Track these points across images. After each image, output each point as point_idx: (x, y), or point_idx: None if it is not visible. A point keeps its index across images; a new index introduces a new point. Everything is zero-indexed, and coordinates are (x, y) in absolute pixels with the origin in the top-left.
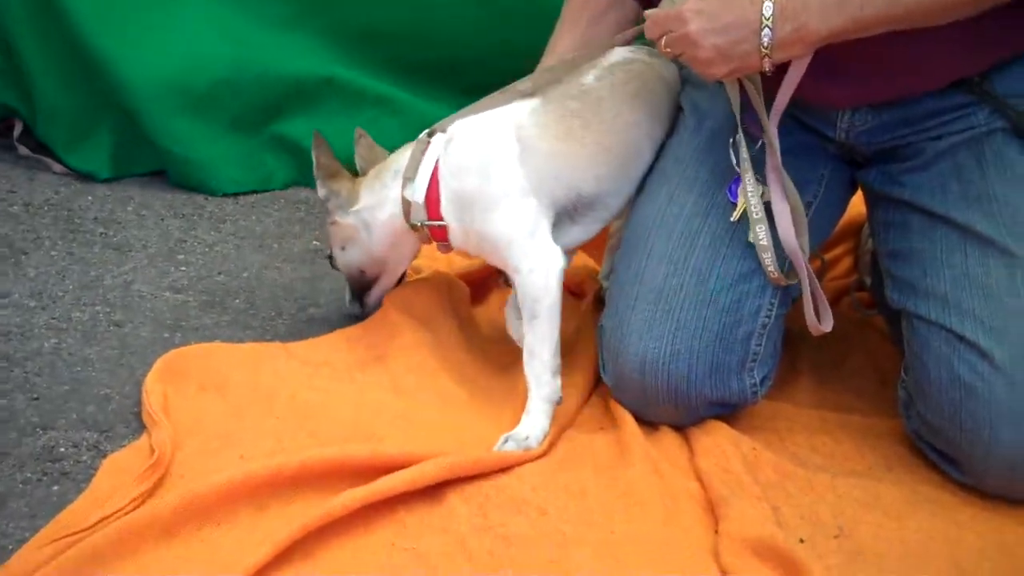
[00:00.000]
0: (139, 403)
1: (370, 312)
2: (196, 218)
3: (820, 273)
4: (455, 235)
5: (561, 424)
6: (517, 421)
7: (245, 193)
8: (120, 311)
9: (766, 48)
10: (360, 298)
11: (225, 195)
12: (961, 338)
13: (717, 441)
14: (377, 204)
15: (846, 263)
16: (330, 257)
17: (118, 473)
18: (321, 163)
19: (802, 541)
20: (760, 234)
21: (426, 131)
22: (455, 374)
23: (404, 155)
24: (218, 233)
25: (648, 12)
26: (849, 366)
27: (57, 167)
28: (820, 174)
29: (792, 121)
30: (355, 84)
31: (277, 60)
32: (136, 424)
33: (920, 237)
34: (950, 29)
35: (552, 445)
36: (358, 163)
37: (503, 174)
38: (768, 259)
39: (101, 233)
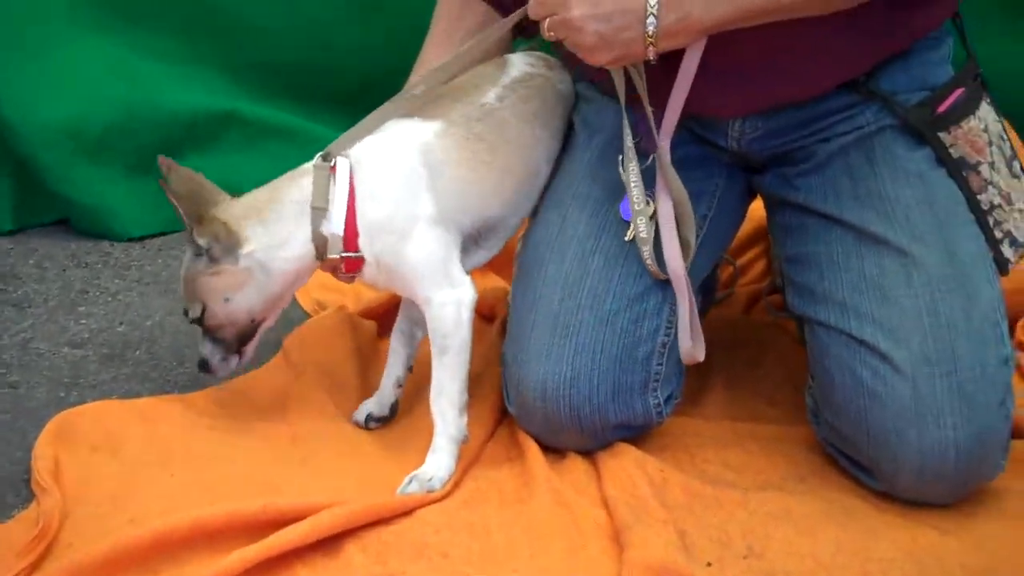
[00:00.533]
0: (29, 470)
1: (247, 362)
2: (100, 266)
3: (732, 279)
4: (369, 268)
5: (466, 460)
6: (422, 461)
7: (152, 236)
8: (16, 371)
9: (651, 37)
10: (239, 349)
11: (131, 239)
12: (861, 342)
13: (624, 465)
14: (278, 243)
15: (759, 266)
16: (197, 318)
17: (4, 546)
18: (183, 202)
19: (709, 565)
20: (640, 227)
21: (319, 155)
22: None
23: (300, 184)
24: (122, 281)
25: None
26: (762, 372)
27: None
28: (715, 184)
29: (684, 132)
30: (257, 117)
31: (174, 97)
32: (26, 492)
33: (816, 241)
34: (829, 33)
35: (456, 484)
36: (174, 200)
37: (414, 201)
38: (647, 252)
39: (0, 289)
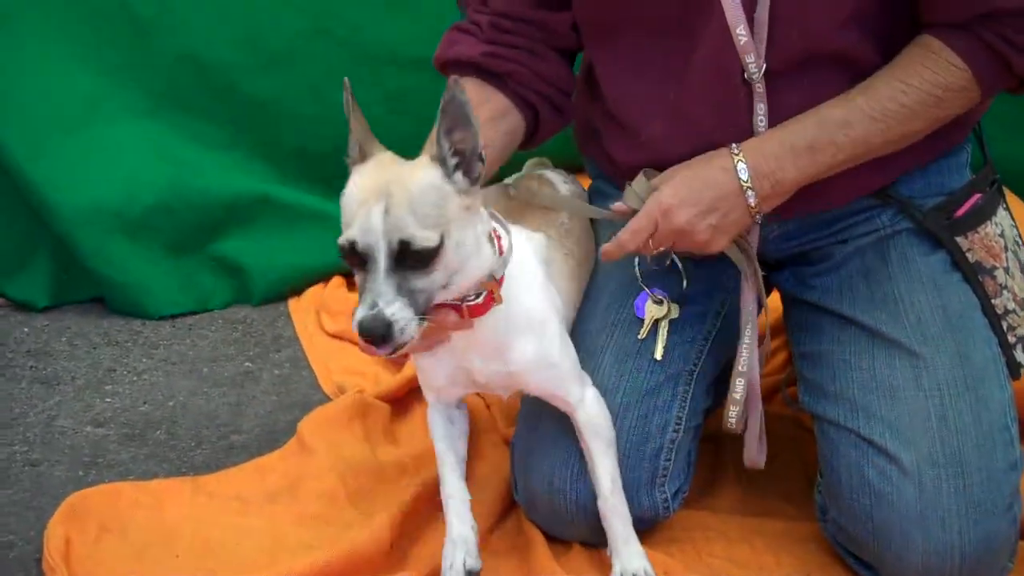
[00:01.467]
0: (41, 548)
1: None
2: (130, 344)
3: None
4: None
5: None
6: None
7: (183, 315)
8: (39, 449)
9: (754, 207)
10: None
11: (162, 318)
12: (870, 442)
13: None
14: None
15: (781, 357)
16: (430, 249)
17: None
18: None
19: None
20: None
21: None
22: (364, 502)
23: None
24: (150, 360)
25: (627, 228)
26: (776, 465)
27: None
28: (726, 283)
29: None
30: (291, 201)
31: (212, 181)
32: (36, 572)
33: (830, 339)
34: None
35: None
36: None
37: (550, 296)
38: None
39: (31, 367)
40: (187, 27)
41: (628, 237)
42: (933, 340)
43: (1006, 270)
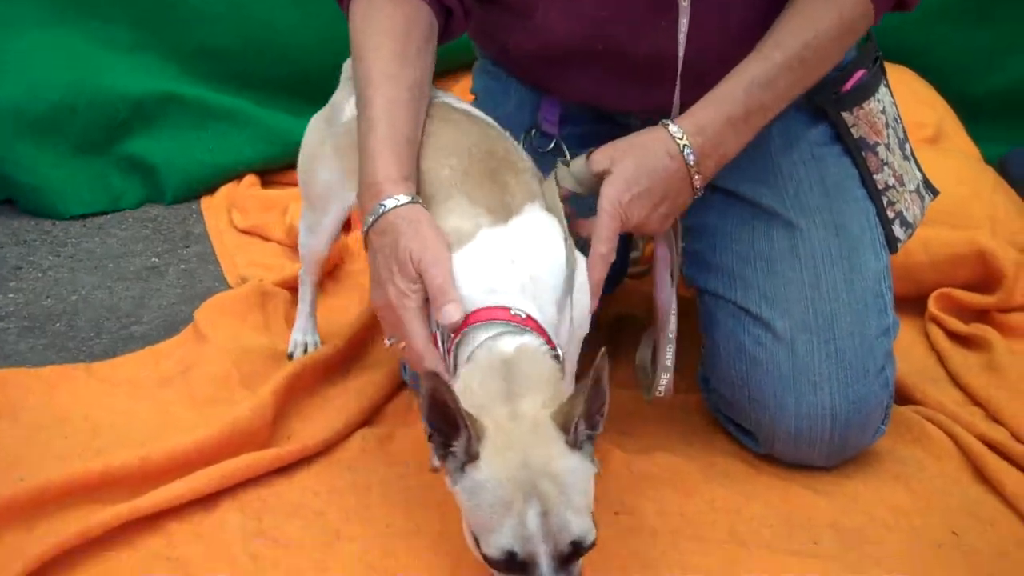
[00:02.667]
0: None
1: None
2: (38, 243)
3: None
4: None
5: (357, 423)
6: (314, 429)
7: (95, 214)
8: None
9: (698, 188)
10: None
11: (74, 218)
12: (746, 311)
13: None
14: None
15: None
16: None
17: None
18: None
19: None
20: None
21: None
22: (256, 385)
23: None
24: (56, 257)
25: (601, 238)
26: None
27: None
28: None
29: (589, 112)
30: (200, 99)
31: (117, 80)
32: None
33: (716, 213)
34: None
35: (343, 447)
36: None
37: None
38: None
39: None
40: None
41: (607, 249)
42: (810, 211)
43: (887, 146)
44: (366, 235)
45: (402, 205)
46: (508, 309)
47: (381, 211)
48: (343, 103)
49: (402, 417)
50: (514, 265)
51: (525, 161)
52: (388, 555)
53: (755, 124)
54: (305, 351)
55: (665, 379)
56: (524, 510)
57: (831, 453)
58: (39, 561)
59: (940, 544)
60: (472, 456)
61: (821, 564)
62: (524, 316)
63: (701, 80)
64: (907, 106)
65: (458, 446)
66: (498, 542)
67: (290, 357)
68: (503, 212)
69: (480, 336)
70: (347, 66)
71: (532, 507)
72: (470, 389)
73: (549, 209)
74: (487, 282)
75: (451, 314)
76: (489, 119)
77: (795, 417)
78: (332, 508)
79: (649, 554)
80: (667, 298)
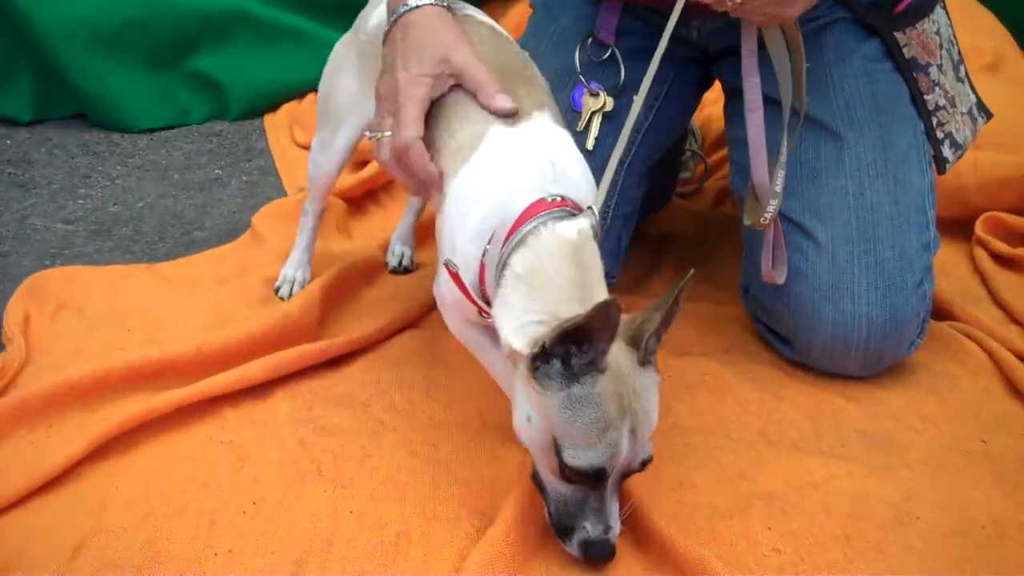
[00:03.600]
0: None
1: None
2: (107, 154)
3: (705, 176)
4: None
5: (402, 323)
6: (362, 324)
7: (161, 128)
8: (9, 243)
9: None
10: None
11: (141, 131)
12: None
13: None
14: None
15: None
16: None
17: None
18: None
19: None
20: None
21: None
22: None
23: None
24: (124, 167)
25: None
26: (716, 258)
27: None
28: (665, 75)
29: (641, 26)
30: (266, 17)
31: None
32: None
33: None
34: None
35: (389, 344)
36: None
37: None
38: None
39: (10, 173)
40: None
41: None
42: (858, 124)
43: (939, 67)
44: (387, 32)
45: (428, 5)
46: (543, 199)
47: (404, 9)
48: (370, 13)
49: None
50: (530, 155)
51: (538, 77)
52: (429, 444)
53: None
54: (292, 289)
55: (773, 205)
56: (621, 429)
57: (866, 362)
58: (102, 439)
59: (967, 451)
60: (601, 369)
61: (846, 465)
62: (560, 199)
63: None
64: (967, 33)
65: (582, 358)
66: (590, 458)
67: (277, 292)
68: (512, 118)
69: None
70: None
71: (627, 426)
72: (543, 273)
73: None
74: (509, 182)
75: (504, 102)
76: (508, 35)
77: (832, 325)
78: (377, 400)
79: (679, 451)
80: (757, 129)
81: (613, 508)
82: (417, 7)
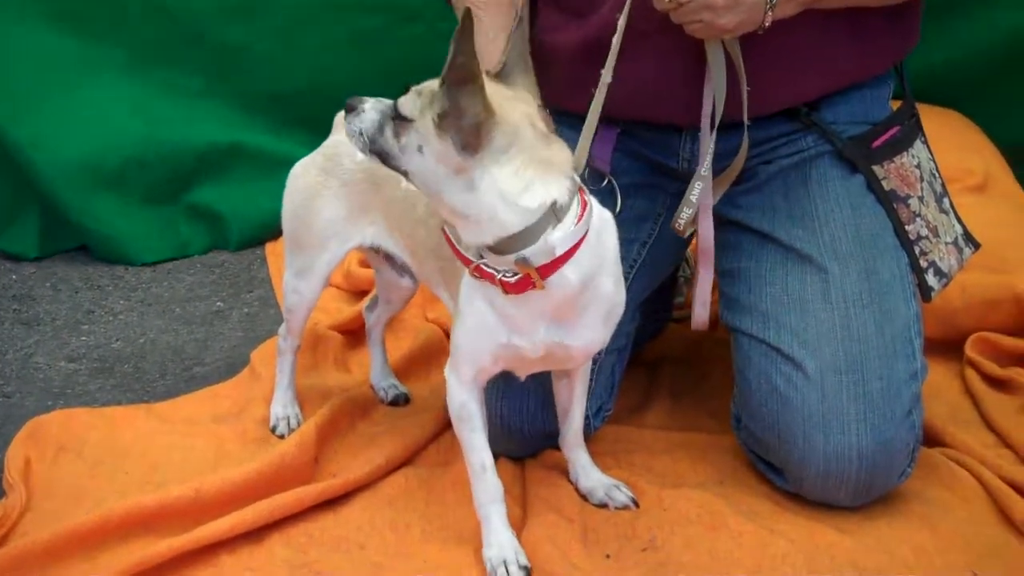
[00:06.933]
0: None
1: None
2: (111, 288)
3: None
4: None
5: (400, 460)
6: (358, 464)
7: (164, 261)
8: (13, 382)
9: (772, 3)
10: None
11: (145, 263)
12: (778, 350)
13: (548, 469)
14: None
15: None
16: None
17: None
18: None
19: (608, 556)
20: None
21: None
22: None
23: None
24: (127, 301)
25: None
26: (709, 385)
27: None
28: (657, 212)
29: (636, 161)
30: (262, 148)
31: (186, 131)
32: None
33: (749, 256)
34: (783, 58)
35: (386, 481)
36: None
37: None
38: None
39: (15, 310)
40: None
41: None
42: (843, 256)
43: (920, 199)
44: None
45: None
46: None
47: None
48: (341, 149)
49: (443, 457)
50: None
51: None
52: None
53: None
54: (289, 425)
55: (687, 212)
56: None
57: (857, 493)
58: None
59: None
60: None
61: None
62: None
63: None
64: (956, 152)
65: None
66: None
67: (274, 431)
68: None
69: None
70: (339, 117)
71: None
72: None
73: None
74: None
75: None
76: None
77: (823, 456)
78: (373, 542)
79: None
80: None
81: None
82: None
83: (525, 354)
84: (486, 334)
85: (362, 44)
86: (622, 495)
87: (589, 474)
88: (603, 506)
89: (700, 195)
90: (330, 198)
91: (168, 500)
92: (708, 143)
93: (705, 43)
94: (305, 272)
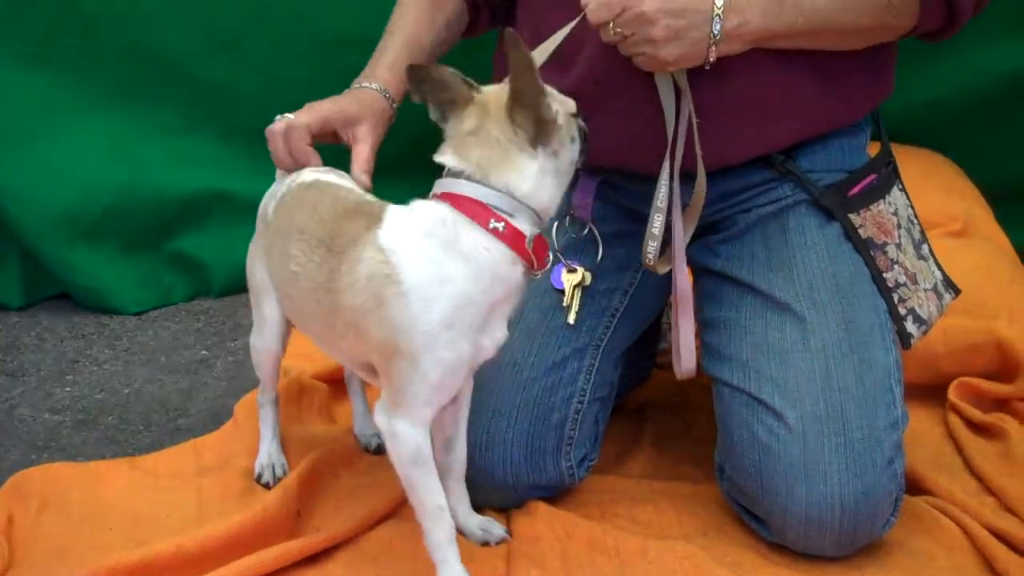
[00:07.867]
0: None
1: None
2: (95, 337)
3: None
4: None
5: (382, 514)
6: (341, 518)
7: (148, 310)
8: None
9: (715, 37)
10: None
11: (129, 313)
12: (759, 400)
13: (532, 521)
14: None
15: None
16: None
17: None
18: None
19: None
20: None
21: None
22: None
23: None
24: (112, 351)
25: None
26: (694, 434)
27: None
28: (637, 261)
29: (616, 209)
30: (243, 195)
31: (166, 176)
32: None
33: (729, 306)
34: (753, 105)
35: (367, 537)
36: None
37: None
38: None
39: (0, 361)
40: (135, 18)
41: (597, 5)
42: (821, 305)
43: (898, 246)
44: None
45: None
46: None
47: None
48: (267, 205)
49: None
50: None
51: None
52: None
53: (784, 17)
54: (275, 473)
55: (652, 246)
56: None
57: (841, 543)
58: None
59: None
60: None
61: None
62: None
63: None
64: (938, 194)
65: None
66: None
67: (260, 480)
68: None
69: None
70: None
71: None
72: None
73: None
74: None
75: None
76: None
77: (805, 506)
78: None
79: None
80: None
81: None
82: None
83: (484, 355)
84: (465, 351)
85: (346, 81)
86: (498, 529)
87: (467, 514)
88: (485, 544)
89: (674, 236)
90: (258, 258)
91: (149, 557)
92: (664, 175)
93: (655, 76)
94: (259, 328)
